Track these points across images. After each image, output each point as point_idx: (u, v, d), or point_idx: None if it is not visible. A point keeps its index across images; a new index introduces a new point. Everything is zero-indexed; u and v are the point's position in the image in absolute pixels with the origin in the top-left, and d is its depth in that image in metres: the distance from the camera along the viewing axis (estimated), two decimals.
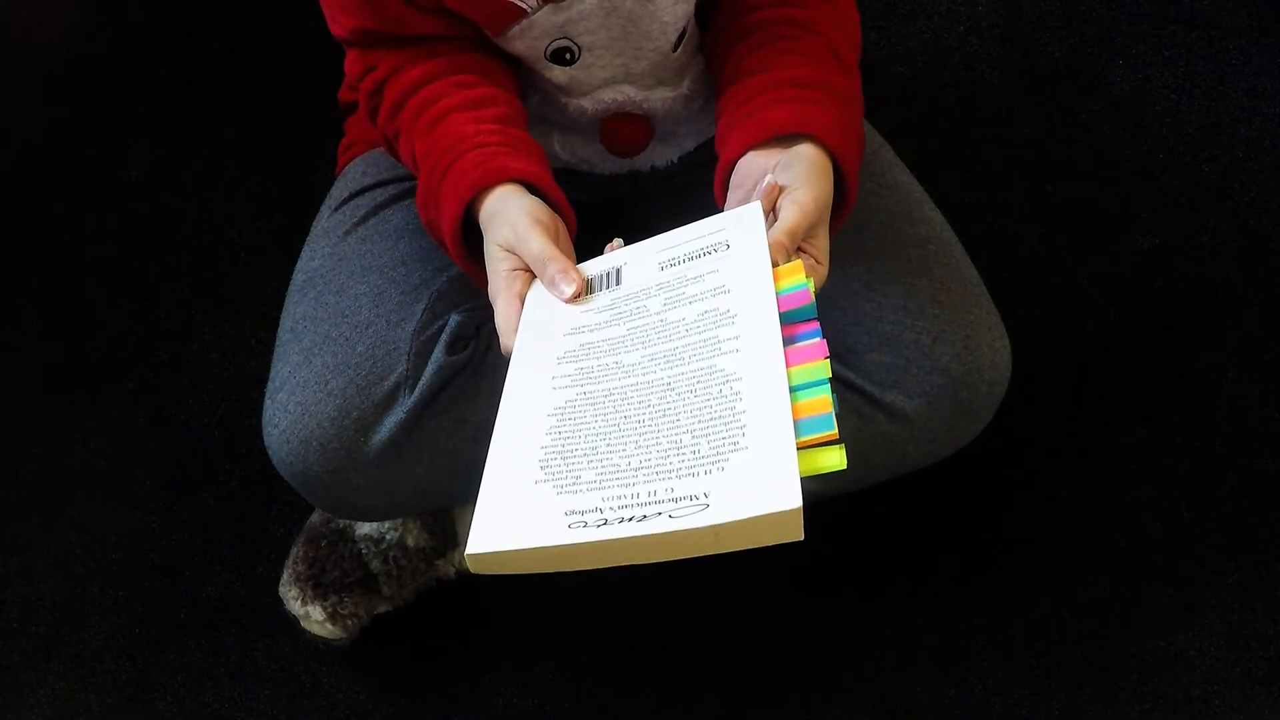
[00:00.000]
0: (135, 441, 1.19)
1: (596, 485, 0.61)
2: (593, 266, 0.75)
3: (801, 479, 0.57)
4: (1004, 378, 0.90)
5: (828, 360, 0.63)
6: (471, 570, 0.59)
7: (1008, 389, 0.91)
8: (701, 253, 0.73)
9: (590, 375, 0.68)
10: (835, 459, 0.59)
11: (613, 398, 0.66)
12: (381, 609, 1.03)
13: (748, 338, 0.66)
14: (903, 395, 0.88)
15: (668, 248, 0.75)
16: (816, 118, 0.77)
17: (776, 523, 0.56)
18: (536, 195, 0.78)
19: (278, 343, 0.91)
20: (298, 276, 0.94)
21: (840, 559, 1.06)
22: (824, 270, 0.74)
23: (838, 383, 0.90)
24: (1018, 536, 1.08)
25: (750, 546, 0.57)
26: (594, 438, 0.64)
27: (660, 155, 0.97)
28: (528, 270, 0.74)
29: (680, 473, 0.60)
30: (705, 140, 0.99)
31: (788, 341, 0.65)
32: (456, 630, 1.05)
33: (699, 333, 0.68)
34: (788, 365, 0.63)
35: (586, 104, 0.90)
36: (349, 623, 1.01)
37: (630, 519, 0.58)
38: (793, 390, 0.62)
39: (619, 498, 0.60)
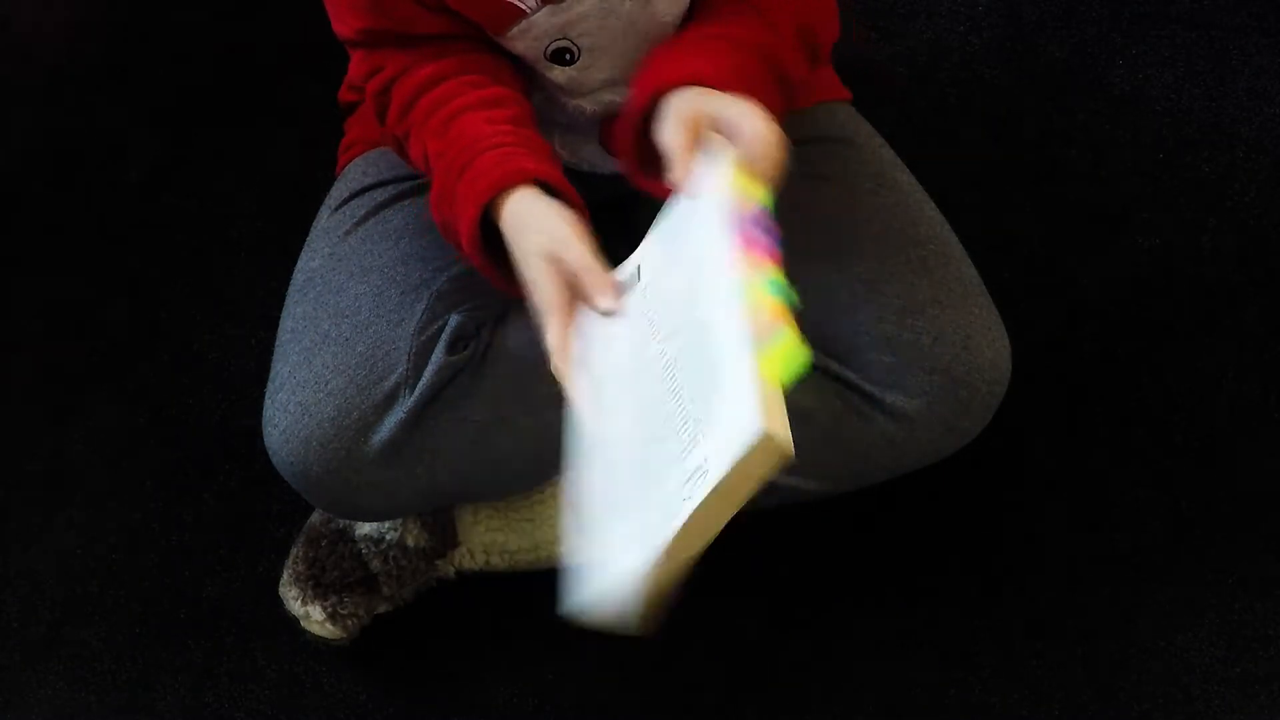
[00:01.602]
0: (135, 441, 1.19)
1: (622, 508, 0.65)
2: (619, 271, 0.76)
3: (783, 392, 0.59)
4: (1004, 378, 0.90)
5: (775, 263, 0.64)
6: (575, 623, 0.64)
7: (1008, 389, 0.91)
8: (690, 224, 0.73)
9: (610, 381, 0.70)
10: (797, 356, 0.62)
11: (625, 401, 0.68)
12: (381, 609, 1.03)
13: (710, 299, 0.66)
14: (903, 395, 0.88)
15: (667, 231, 0.75)
16: (697, 67, 0.76)
17: (762, 453, 0.58)
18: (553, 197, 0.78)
19: (278, 343, 0.91)
20: (298, 277, 0.94)
21: (840, 559, 1.06)
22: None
23: (837, 383, 0.90)
24: (1018, 536, 1.08)
25: (758, 482, 0.59)
26: (605, 466, 0.67)
27: None
28: (571, 279, 0.74)
29: (682, 453, 0.62)
30: None
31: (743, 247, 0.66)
32: (456, 630, 1.05)
33: (687, 302, 0.68)
34: (737, 269, 0.64)
35: (586, 104, 0.90)
36: (349, 623, 1.01)
37: (669, 524, 0.60)
38: (744, 296, 0.63)
39: (644, 508, 0.63)
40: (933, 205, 0.96)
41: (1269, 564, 1.05)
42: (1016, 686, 1.01)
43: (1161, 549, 1.06)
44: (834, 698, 1.01)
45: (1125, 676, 1.00)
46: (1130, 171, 1.30)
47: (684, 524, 0.59)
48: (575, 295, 0.74)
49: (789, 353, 0.62)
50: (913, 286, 0.89)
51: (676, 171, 0.72)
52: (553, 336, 0.73)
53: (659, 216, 0.76)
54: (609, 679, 1.03)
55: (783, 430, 0.59)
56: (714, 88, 0.74)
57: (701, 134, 0.73)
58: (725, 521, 0.61)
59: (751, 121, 0.71)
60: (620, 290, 0.73)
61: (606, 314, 0.73)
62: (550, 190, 0.78)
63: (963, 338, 0.88)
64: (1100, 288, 1.22)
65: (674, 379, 0.65)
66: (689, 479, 0.60)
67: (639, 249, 0.77)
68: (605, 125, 0.92)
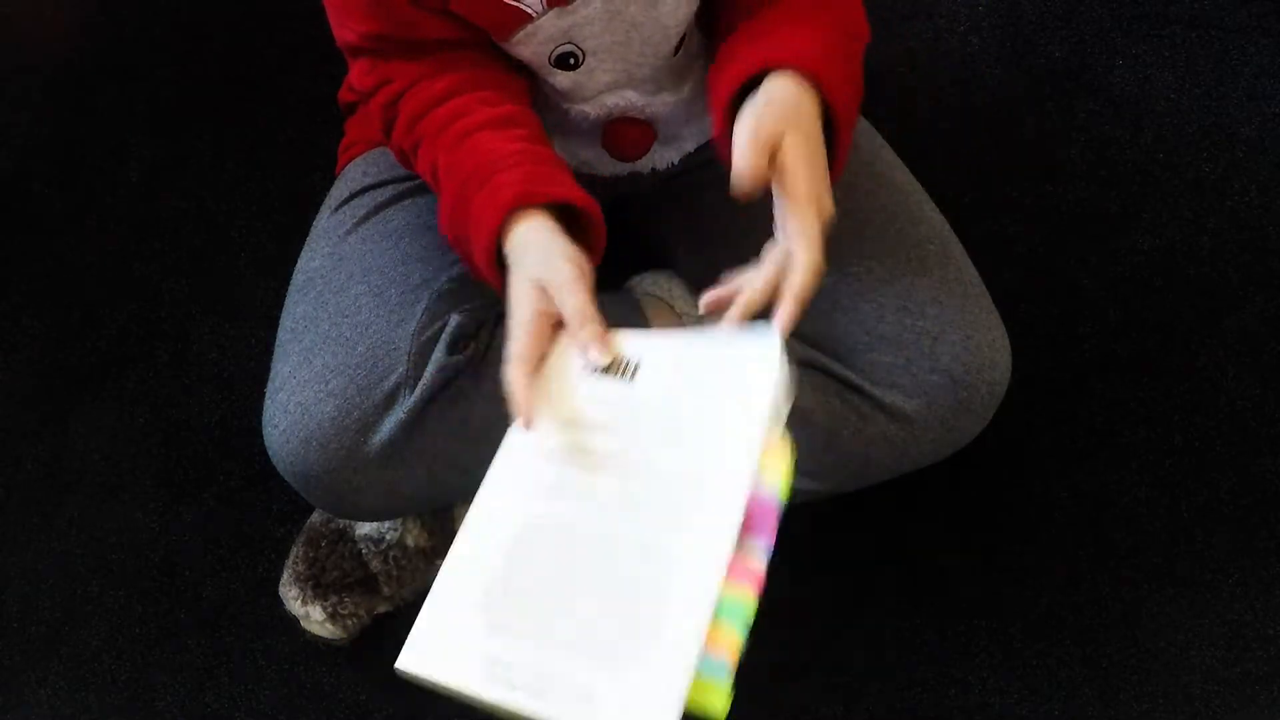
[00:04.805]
0: (135, 441, 1.19)
1: (523, 636, 0.63)
2: (614, 345, 0.73)
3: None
4: (1004, 378, 0.90)
5: (755, 599, 0.63)
6: (400, 675, 0.64)
7: (1008, 389, 0.91)
8: (716, 369, 0.71)
9: (565, 490, 0.68)
10: (719, 705, 0.61)
11: (571, 531, 0.67)
12: (381, 609, 1.03)
13: (703, 526, 0.65)
14: (903, 395, 0.88)
15: (687, 356, 0.73)
16: (785, 49, 0.76)
17: None
18: (571, 215, 0.77)
19: (278, 343, 0.91)
20: (298, 277, 0.94)
21: (840, 559, 1.06)
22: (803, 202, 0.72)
23: (837, 383, 0.90)
24: (1018, 536, 1.08)
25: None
26: (542, 578, 0.65)
27: (661, 158, 0.97)
28: (557, 318, 0.72)
29: (590, 655, 0.62)
30: (706, 141, 0.99)
31: (741, 542, 0.64)
32: None
33: (669, 490, 0.67)
34: (727, 575, 0.63)
35: (589, 109, 0.90)
36: (349, 623, 1.01)
37: (530, 690, 0.61)
38: (718, 610, 0.62)
39: (532, 664, 0.62)
40: (933, 205, 0.96)
41: (1269, 564, 1.05)
42: (1016, 686, 1.01)
43: (1161, 549, 1.07)
44: (834, 697, 1.01)
45: (1125, 676, 1.01)
46: (1130, 171, 1.30)
47: (538, 715, 0.60)
48: (554, 328, 0.73)
49: (713, 697, 0.62)
50: (913, 286, 0.89)
51: (738, 184, 0.72)
52: (515, 352, 0.71)
53: (683, 334, 0.74)
54: None
55: None
56: (813, 70, 0.75)
57: (770, 165, 0.72)
58: None
59: (805, 250, 0.71)
60: (612, 350, 0.72)
61: (597, 368, 0.71)
62: (572, 211, 0.77)
63: (963, 338, 0.88)
64: (1100, 288, 1.22)
65: (610, 562, 0.65)
66: (573, 683, 0.61)
67: (646, 339, 0.73)
68: (608, 129, 0.92)
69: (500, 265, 0.77)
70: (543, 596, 0.64)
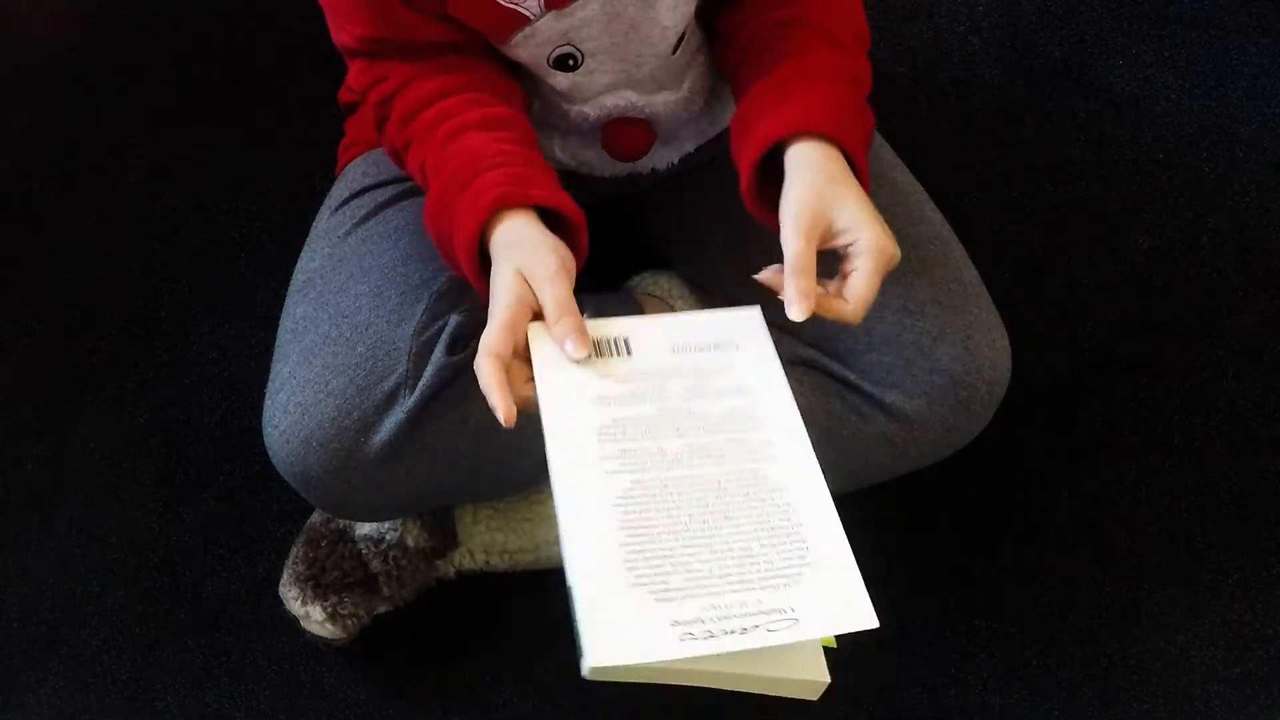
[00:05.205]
0: (135, 441, 1.19)
1: (689, 593, 0.62)
2: (596, 329, 0.74)
3: None
4: (1004, 378, 0.90)
5: None
6: (588, 679, 0.61)
7: (1008, 389, 0.91)
8: (711, 345, 0.74)
9: (637, 460, 0.68)
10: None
11: (668, 490, 0.67)
12: (381, 609, 1.03)
13: (782, 448, 0.69)
14: (903, 395, 0.88)
15: (674, 331, 0.75)
16: (800, 113, 0.78)
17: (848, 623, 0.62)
18: (554, 220, 0.77)
19: (278, 343, 0.91)
20: (298, 277, 0.94)
21: None
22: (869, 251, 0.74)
23: (837, 383, 0.90)
24: (1018, 536, 1.08)
25: (812, 672, 0.64)
26: (665, 536, 0.65)
27: (661, 158, 0.97)
28: (536, 309, 0.73)
29: (761, 584, 0.63)
30: (705, 141, 0.99)
31: None
32: (456, 630, 1.05)
33: (733, 432, 0.69)
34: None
35: (589, 109, 0.90)
36: (349, 623, 1.01)
37: (733, 631, 0.61)
38: None
39: (716, 607, 0.62)
40: (933, 205, 0.96)
41: (1269, 564, 1.05)
42: (1016, 686, 1.01)
43: (1161, 549, 1.07)
44: (834, 697, 1.01)
45: (1125, 676, 1.00)
46: (1130, 171, 1.30)
47: (753, 649, 0.60)
48: (532, 316, 0.73)
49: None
50: (913, 286, 0.89)
51: (796, 284, 0.72)
52: (491, 336, 0.71)
53: (664, 315, 0.77)
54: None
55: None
56: (823, 131, 0.77)
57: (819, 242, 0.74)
58: (768, 675, 0.63)
59: (869, 237, 0.74)
60: (591, 346, 0.72)
61: (574, 360, 0.71)
62: (553, 214, 0.77)
63: (963, 338, 0.88)
64: (1100, 288, 1.22)
65: (724, 503, 0.66)
66: (765, 610, 0.61)
67: (629, 322, 0.75)
68: (607, 130, 0.92)
69: (483, 267, 0.77)
70: (684, 552, 0.64)
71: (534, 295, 0.72)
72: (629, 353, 0.73)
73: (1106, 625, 1.03)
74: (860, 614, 0.63)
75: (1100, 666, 1.01)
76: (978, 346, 0.88)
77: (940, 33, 1.43)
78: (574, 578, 0.63)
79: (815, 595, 0.63)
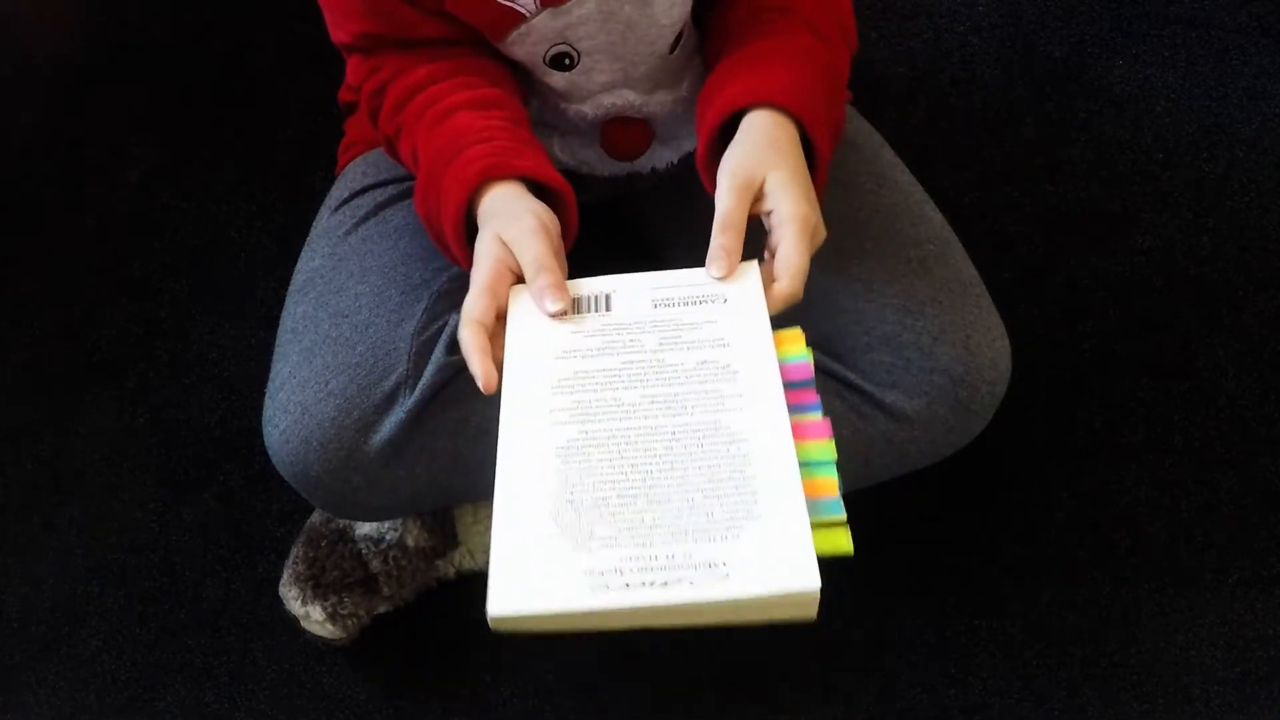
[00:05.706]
0: (135, 441, 1.19)
1: (613, 542, 0.60)
2: (580, 287, 0.73)
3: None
4: (1004, 378, 0.90)
5: (833, 440, 0.64)
6: (492, 629, 0.58)
7: (1008, 389, 0.91)
8: (697, 300, 0.72)
9: (589, 411, 0.67)
10: (845, 542, 0.61)
11: (616, 440, 0.65)
12: (381, 609, 1.03)
13: (751, 398, 0.66)
14: (903, 395, 0.88)
15: (661, 286, 0.74)
16: (764, 84, 0.77)
17: (794, 601, 0.58)
18: (542, 194, 0.77)
19: (278, 343, 0.91)
20: (298, 277, 0.94)
21: (839, 559, 1.06)
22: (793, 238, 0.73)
23: (837, 383, 0.90)
24: (1018, 536, 1.08)
25: (764, 621, 0.59)
26: (603, 485, 0.63)
27: (660, 157, 0.97)
28: (516, 271, 0.73)
29: (696, 535, 0.60)
30: None
31: (792, 411, 0.65)
32: (456, 630, 1.05)
33: (699, 382, 0.67)
34: (795, 438, 0.64)
35: (587, 109, 0.90)
36: (349, 623, 1.01)
37: (652, 583, 0.58)
38: (802, 466, 0.63)
39: (638, 558, 0.59)
40: (933, 205, 0.96)
41: (1269, 564, 1.05)
42: (1016, 686, 1.01)
43: (1161, 549, 1.07)
44: (834, 697, 1.01)
45: (1125, 676, 1.00)
46: (1130, 171, 1.30)
47: (673, 603, 0.58)
48: (513, 280, 0.73)
49: (839, 537, 0.62)
50: (913, 286, 0.89)
51: (720, 240, 0.72)
52: (469, 305, 0.71)
53: (652, 272, 0.75)
54: (609, 679, 1.03)
55: (818, 596, 0.59)
56: (783, 104, 0.76)
57: (750, 208, 0.73)
58: (699, 624, 0.60)
59: (786, 204, 0.72)
60: (570, 301, 0.72)
61: (552, 315, 0.71)
62: (540, 187, 0.77)
63: (963, 338, 0.88)
64: (1100, 288, 1.22)
65: (674, 452, 0.64)
66: (694, 564, 0.59)
67: (615, 279, 0.75)
68: (606, 129, 0.92)
69: (469, 241, 0.77)
70: (618, 501, 0.62)
71: (513, 257, 0.72)
72: (608, 309, 0.72)
73: (1106, 625, 1.03)
74: (802, 573, 0.58)
75: (1100, 666, 1.01)
76: (978, 346, 0.88)
77: (940, 33, 1.43)
78: (495, 528, 0.61)
79: (754, 550, 0.59)
